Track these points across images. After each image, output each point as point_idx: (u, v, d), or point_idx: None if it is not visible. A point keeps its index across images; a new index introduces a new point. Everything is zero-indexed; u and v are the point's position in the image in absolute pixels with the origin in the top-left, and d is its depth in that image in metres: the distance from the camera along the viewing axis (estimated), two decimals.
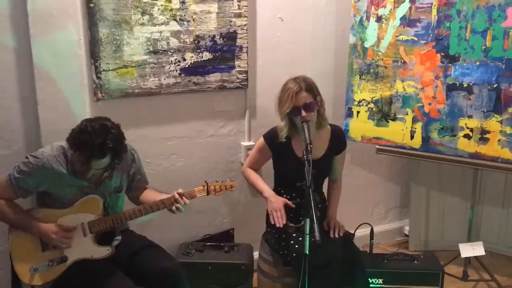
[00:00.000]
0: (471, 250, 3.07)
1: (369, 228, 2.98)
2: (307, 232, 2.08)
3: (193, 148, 3.00)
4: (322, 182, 2.78)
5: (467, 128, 2.88)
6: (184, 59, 2.82)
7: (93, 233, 2.27)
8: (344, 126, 3.15)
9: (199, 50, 2.84)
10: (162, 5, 2.69)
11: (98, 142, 2.06)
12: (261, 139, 2.70)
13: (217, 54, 2.89)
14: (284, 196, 2.62)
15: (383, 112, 3.09)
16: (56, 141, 2.28)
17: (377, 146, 3.16)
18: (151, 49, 2.72)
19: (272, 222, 2.52)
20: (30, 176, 2.18)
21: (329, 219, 2.69)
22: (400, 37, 2.96)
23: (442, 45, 2.86)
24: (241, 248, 2.87)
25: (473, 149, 2.88)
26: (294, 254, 2.45)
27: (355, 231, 2.92)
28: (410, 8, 2.91)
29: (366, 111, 3.13)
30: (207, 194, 2.44)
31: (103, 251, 2.28)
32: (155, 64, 2.75)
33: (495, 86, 2.76)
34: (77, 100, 2.59)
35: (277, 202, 2.54)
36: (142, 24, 2.67)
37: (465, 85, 2.84)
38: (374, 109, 3.11)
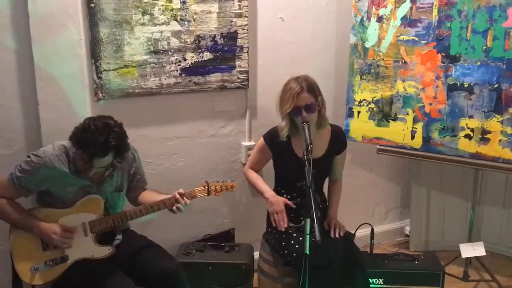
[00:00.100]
0: (472, 250, 3.07)
1: (370, 228, 2.98)
2: (308, 232, 2.08)
3: (193, 148, 3.01)
4: (322, 182, 2.78)
5: (468, 128, 2.87)
6: (185, 59, 2.82)
7: (94, 232, 2.27)
8: (344, 126, 3.15)
9: (200, 50, 2.84)
10: (162, 5, 2.69)
11: (101, 140, 2.07)
12: (261, 140, 2.70)
13: (217, 54, 2.89)
14: (285, 196, 2.62)
15: (383, 112, 3.09)
16: (56, 141, 2.28)
17: (377, 146, 3.16)
18: (152, 49, 2.72)
19: (274, 224, 2.52)
20: (32, 175, 2.19)
21: (329, 219, 2.69)
22: (401, 37, 2.96)
23: (443, 45, 2.86)
24: (241, 248, 2.87)
25: (474, 149, 2.87)
26: (295, 254, 2.45)
27: (355, 231, 2.92)
28: (411, 8, 2.91)
29: (366, 111, 3.13)
30: (208, 194, 2.44)
31: (104, 251, 2.28)
32: (156, 64, 2.75)
33: (496, 86, 2.76)
34: (78, 100, 2.59)
35: (278, 203, 2.54)
36: (143, 24, 2.67)
37: (466, 85, 2.84)
38: (374, 109, 3.11)
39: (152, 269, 2.28)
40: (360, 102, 3.14)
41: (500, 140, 2.79)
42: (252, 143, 3.10)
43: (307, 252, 2.09)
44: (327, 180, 2.82)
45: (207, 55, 2.87)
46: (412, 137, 3.03)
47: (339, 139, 2.71)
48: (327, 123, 2.64)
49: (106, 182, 2.34)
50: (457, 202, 3.57)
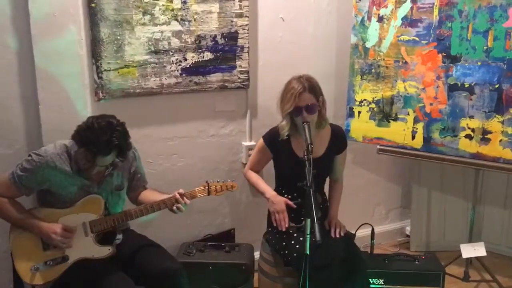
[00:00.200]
0: (473, 250, 3.06)
1: (370, 229, 2.97)
2: (308, 232, 2.08)
3: (194, 148, 3.01)
4: (323, 182, 2.77)
5: (469, 128, 2.87)
6: (185, 59, 2.82)
7: (94, 232, 2.27)
8: (345, 126, 3.15)
9: (200, 50, 2.85)
10: (163, 5, 2.69)
11: (104, 139, 2.08)
12: (261, 140, 2.70)
13: (218, 54, 2.89)
14: (285, 196, 2.62)
15: (384, 112, 3.09)
16: (57, 140, 2.28)
17: (378, 146, 3.16)
18: (153, 49, 2.72)
19: (275, 224, 2.52)
20: (33, 174, 2.19)
21: (330, 219, 2.69)
22: (402, 37, 2.96)
23: (444, 45, 2.86)
24: (242, 248, 2.87)
25: (474, 150, 2.87)
26: (295, 254, 2.45)
27: (356, 231, 2.92)
28: (411, 8, 2.91)
29: (367, 111, 3.13)
30: (208, 194, 2.44)
31: (104, 251, 2.28)
32: (156, 64, 2.75)
33: (496, 86, 2.76)
34: (79, 100, 2.60)
35: (279, 203, 2.54)
36: (144, 24, 2.67)
37: (466, 86, 2.84)
38: (375, 109, 3.11)
39: (152, 269, 2.28)
40: (360, 102, 3.14)
41: (500, 140, 2.79)
42: (252, 143, 3.10)
43: (308, 252, 2.09)
44: (328, 180, 2.82)
45: (207, 55, 2.87)
46: (413, 137, 3.03)
47: (339, 139, 2.70)
48: (327, 123, 2.64)
49: (107, 181, 2.34)
50: (458, 202, 3.57)
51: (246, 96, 3.09)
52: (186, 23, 2.78)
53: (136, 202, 2.50)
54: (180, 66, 2.82)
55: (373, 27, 3.03)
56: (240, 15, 2.89)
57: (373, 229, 2.98)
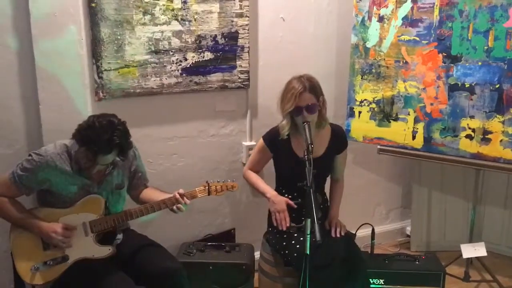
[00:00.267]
0: (473, 250, 3.06)
1: (371, 229, 2.97)
2: (308, 232, 2.08)
3: (194, 148, 3.01)
4: (324, 181, 2.77)
5: (469, 128, 2.87)
6: (186, 59, 2.82)
7: (95, 232, 2.27)
8: (345, 126, 3.15)
9: (201, 50, 2.84)
10: (163, 5, 2.69)
11: (105, 138, 2.08)
12: (261, 140, 2.70)
13: (218, 54, 2.89)
14: (286, 196, 2.61)
15: (384, 112, 3.09)
16: (57, 140, 2.28)
17: (378, 146, 3.16)
18: (153, 49, 2.72)
19: (275, 224, 2.52)
20: (33, 174, 2.19)
21: (330, 218, 2.69)
22: (402, 37, 2.96)
23: (444, 45, 2.86)
24: (242, 248, 2.87)
25: (475, 150, 2.87)
26: (295, 254, 2.45)
27: (356, 231, 2.92)
28: (412, 8, 2.91)
29: (367, 111, 3.13)
30: (208, 194, 2.44)
31: (104, 251, 2.28)
32: (157, 64, 2.75)
33: (497, 86, 2.75)
34: (79, 100, 2.60)
35: (279, 203, 2.53)
36: (144, 24, 2.67)
37: (467, 86, 2.84)
38: (375, 109, 3.11)
39: (152, 269, 2.27)
40: (361, 102, 3.14)
41: (501, 141, 2.79)
42: (253, 143, 3.10)
43: (308, 252, 2.09)
44: (328, 180, 2.82)
45: (208, 55, 2.87)
46: (413, 137, 3.03)
47: (339, 138, 2.70)
48: (327, 123, 2.64)
49: (107, 180, 2.34)
50: (458, 202, 3.57)
51: (247, 96, 3.09)
52: (187, 23, 2.78)
53: (137, 200, 2.51)
54: (180, 66, 2.82)
55: (374, 27, 3.03)
56: (240, 15, 2.89)
57: (373, 229, 2.98)
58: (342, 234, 2.61)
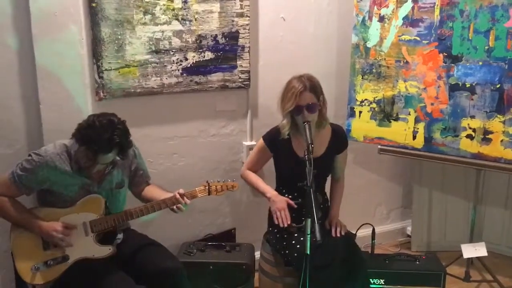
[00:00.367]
0: (474, 250, 3.06)
1: (371, 229, 2.97)
2: (308, 232, 2.08)
3: (194, 148, 3.01)
4: (324, 181, 2.77)
5: (470, 128, 2.87)
6: (186, 59, 2.82)
7: (95, 232, 2.27)
8: (346, 126, 3.15)
9: (201, 50, 2.84)
10: (164, 5, 2.69)
11: (105, 137, 2.09)
12: (261, 140, 2.69)
13: (219, 54, 2.89)
14: (286, 195, 2.61)
15: (385, 112, 3.09)
16: (58, 140, 2.28)
17: (379, 146, 3.16)
18: (153, 48, 2.72)
19: (276, 222, 2.52)
20: (33, 174, 2.19)
21: (331, 218, 2.69)
22: (403, 37, 2.95)
23: (445, 45, 2.85)
24: (242, 248, 2.87)
25: (475, 150, 2.87)
26: (295, 254, 2.45)
27: (356, 231, 2.91)
28: (412, 8, 2.90)
29: (368, 111, 3.13)
30: (209, 194, 2.44)
31: (105, 251, 2.28)
32: (157, 63, 2.75)
33: (498, 86, 2.75)
34: (79, 100, 2.60)
35: (280, 202, 2.54)
36: (144, 24, 2.67)
37: (467, 85, 2.83)
38: (376, 109, 3.10)
39: (153, 268, 2.27)
40: (361, 102, 3.13)
41: (502, 141, 2.78)
42: (253, 142, 3.09)
43: (308, 252, 2.09)
44: (329, 179, 2.82)
45: (208, 55, 2.87)
46: (414, 137, 3.03)
47: (339, 138, 2.70)
48: (327, 123, 2.64)
49: (107, 180, 2.34)
50: (459, 202, 3.56)
51: (247, 96, 3.09)
52: (187, 22, 2.78)
53: (140, 197, 2.51)
54: (181, 66, 2.81)
55: (374, 26, 3.02)
56: (241, 15, 2.89)
57: (373, 229, 2.98)
58: (343, 234, 2.61)
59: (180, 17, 2.75)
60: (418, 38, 2.92)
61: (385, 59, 3.02)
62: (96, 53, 2.58)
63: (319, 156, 2.59)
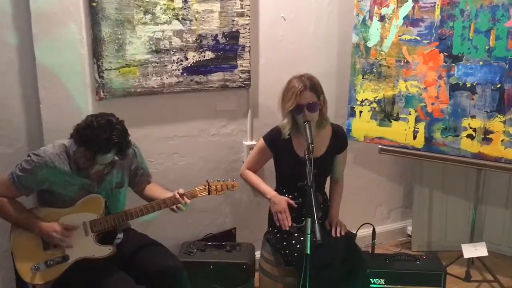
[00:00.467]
0: (474, 250, 3.06)
1: (371, 228, 2.97)
2: (309, 232, 2.07)
3: (195, 148, 3.00)
4: (324, 181, 2.77)
5: (470, 128, 2.87)
6: (187, 58, 2.82)
7: (95, 232, 2.27)
8: (346, 126, 3.15)
9: (202, 50, 2.84)
10: (164, 4, 2.69)
11: (104, 137, 2.08)
12: (261, 140, 2.69)
13: (219, 54, 2.89)
14: (286, 195, 2.61)
15: (385, 112, 3.08)
16: (58, 139, 2.28)
17: (379, 146, 3.15)
18: (154, 48, 2.72)
19: (278, 224, 2.51)
20: (32, 174, 2.19)
21: (331, 218, 2.69)
22: (403, 37, 2.95)
23: (445, 45, 2.85)
24: (243, 248, 2.87)
25: (476, 150, 2.86)
26: (296, 254, 2.45)
27: (357, 231, 2.91)
28: (413, 8, 2.90)
29: (368, 111, 3.12)
30: (209, 194, 2.44)
31: (105, 250, 2.28)
32: (158, 63, 2.75)
33: (498, 86, 2.75)
34: (80, 99, 2.59)
35: (280, 203, 2.53)
36: (145, 23, 2.67)
37: (468, 85, 2.83)
38: (376, 108, 3.10)
39: (153, 268, 2.27)
40: (362, 101, 3.13)
41: (502, 140, 2.78)
42: (253, 142, 3.09)
43: (308, 252, 2.09)
44: (328, 179, 2.82)
45: (208, 55, 2.87)
46: (414, 137, 3.03)
47: (340, 138, 2.70)
48: (328, 123, 2.64)
49: (106, 179, 2.34)
50: (460, 202, 3.56)
51: (247, 96, 3.09)
52: (187, 22, 2.77)
53: (142, 196, 2.52)
54: (181, 66, 2.81)
55: (375, 26, 3.02)
56: (241, 14, 2.89)
57: (374, 229, 2.97)
58: (343, 233, 2.60)
59: (180, 17, 2.75)
60: (418, 38, 2.91)
61: (385, 58, 3.02)
62: (96, 53, 2.58)
63: (319, 156, 2.59)
